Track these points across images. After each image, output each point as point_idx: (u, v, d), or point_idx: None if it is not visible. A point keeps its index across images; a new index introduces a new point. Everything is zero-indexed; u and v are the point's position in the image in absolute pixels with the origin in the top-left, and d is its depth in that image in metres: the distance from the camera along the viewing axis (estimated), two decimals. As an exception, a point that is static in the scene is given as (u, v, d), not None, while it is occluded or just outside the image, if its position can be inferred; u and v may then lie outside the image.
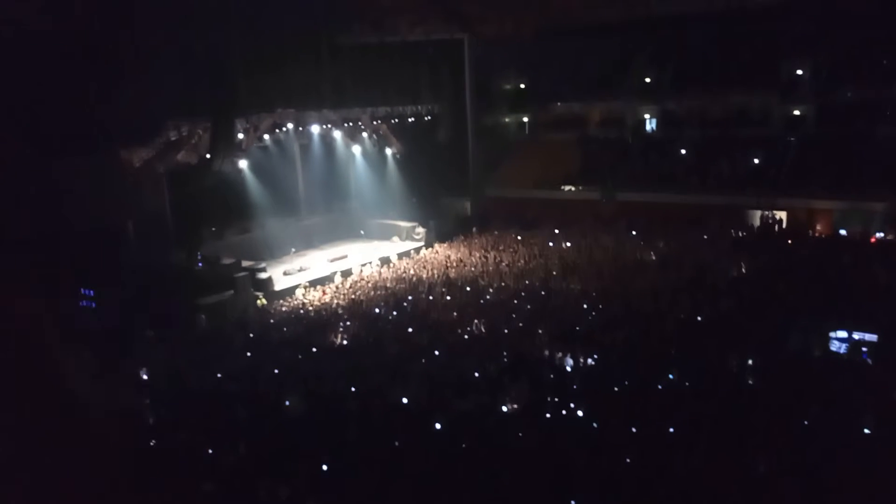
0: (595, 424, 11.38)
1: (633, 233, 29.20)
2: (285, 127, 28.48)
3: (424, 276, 24.86)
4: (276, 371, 15.68)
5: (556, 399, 12.51)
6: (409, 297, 21.90)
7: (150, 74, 23.47)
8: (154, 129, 25.13)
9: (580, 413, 11.90)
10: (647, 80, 37.55)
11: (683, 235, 27.58)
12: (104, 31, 23.02)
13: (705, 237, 27.66)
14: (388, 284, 24.09)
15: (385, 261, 28.15)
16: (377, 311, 20.80)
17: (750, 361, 13.88)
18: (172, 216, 25.97)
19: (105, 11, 23.18)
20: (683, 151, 34.36)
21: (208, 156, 25.62)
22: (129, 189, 24.22)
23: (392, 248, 30.38)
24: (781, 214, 29.83)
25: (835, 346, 14.64)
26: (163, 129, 25.14)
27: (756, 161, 32.23)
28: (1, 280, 17.93)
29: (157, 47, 23.31)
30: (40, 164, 22.15)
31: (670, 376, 13.40)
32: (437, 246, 30.66)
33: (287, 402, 13.09)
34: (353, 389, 13.82)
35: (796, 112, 33.59)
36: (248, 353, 17.60)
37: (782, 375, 13.03)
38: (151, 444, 11.63)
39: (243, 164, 27.63)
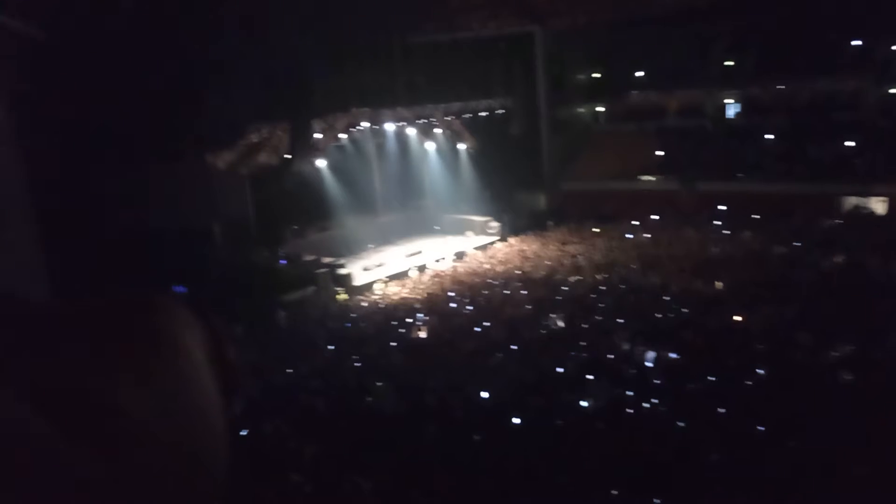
0: (680, 423, 11.09)
1: (716, 224, 28.18)
2: (360, 126, 29.02)
3: (499, 270, 24.82)
4: (358, 365, 16.04)
5: (638, 396, 12.26)
6: (484, 292, 21.94)
7: (231, 81, 24.51)
8: (236, 132, 26.21)
9: (663, 410, 11.62)
10: (729, 65, 36.02)
11: (770, 226, 26.40)
12: (188, 41, 24.16)
13: (794, 227, 26.37)
14: (463, 279, 24.21)
15: (460, 255, 28.29)
16: (452, 305, 20.95)
17: (847, 357, 13.18)
18: (255, 216, 26.98)
19: (188, 22, 24.32)
20: (769, 138, 32.83)
21: (288, 156, 26.48)
22: (215, 191, 25.32)
23: (466, 242, 30.50)
24: (879, 202, 28.10)
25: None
26: (244, 133, 26.17)
27: (849, 146, 30.45)
28: (100, 278, 19.14)
29: (238, 54, 24.27)
30: (135, 170, 23.55)
31: (759, 371, 12.89)
32: (511, 240, 30.54)
33: (369, 398, 13.37)
34: (431, 384, 13.98)
35: (893, 92, 31.51)
36: (331, 347, 18.08)
37: (883, 372, 12.31)
38: (242, 433, 12.13)
39: (321, 163, 28.36)
